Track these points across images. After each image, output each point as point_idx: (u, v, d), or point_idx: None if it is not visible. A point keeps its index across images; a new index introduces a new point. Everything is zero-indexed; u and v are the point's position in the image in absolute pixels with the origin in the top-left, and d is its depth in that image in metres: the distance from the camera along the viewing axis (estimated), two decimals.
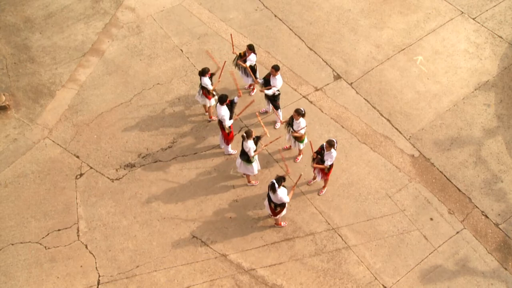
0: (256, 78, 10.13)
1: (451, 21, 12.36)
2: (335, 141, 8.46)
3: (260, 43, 12.07)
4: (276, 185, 7.98)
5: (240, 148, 9.03)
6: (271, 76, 9.56)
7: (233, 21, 12.57)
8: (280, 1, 12.96)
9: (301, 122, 8.96)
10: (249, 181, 9.72)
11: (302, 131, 9.07)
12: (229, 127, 9.42)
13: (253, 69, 10.13)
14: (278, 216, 8.77)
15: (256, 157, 9.08)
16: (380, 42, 12.01)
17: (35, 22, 12.66)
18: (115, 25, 12.56)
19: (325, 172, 8.98)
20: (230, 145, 9.98)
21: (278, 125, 10.50)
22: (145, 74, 11.58)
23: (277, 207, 8.45)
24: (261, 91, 9.85)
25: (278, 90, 9.77)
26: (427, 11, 12.58)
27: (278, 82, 9.55)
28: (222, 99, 9.09)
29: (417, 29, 12.22)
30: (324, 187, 9.58)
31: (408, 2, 12.82)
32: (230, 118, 9.29)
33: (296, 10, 12.75)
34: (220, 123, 9.46)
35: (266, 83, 9.72)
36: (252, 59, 9.92)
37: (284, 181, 8.13)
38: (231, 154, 10.14)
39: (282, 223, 9.23)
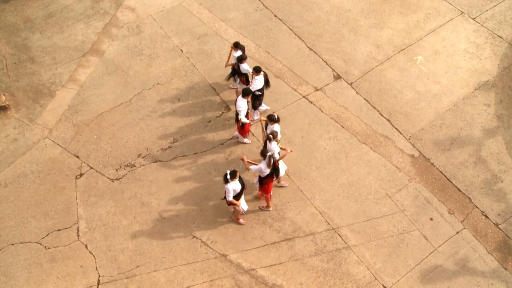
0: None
1: (451, 21, 12.36)
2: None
3: (260, 43, 12.08)
4: (229, 177, 8.08)
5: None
6: (253, 76, 9.81)
7: (233, 21, 12.57)
8: (280, 1, 12.97)
9: (275, 127, 8.93)
10: (278, 182, 9.69)
11: (279, 133, 9.06)
12: (242, 121, 9.53)
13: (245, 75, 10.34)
14: (233, 210, 8.81)
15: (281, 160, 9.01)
16: (380, 42, 12.02)
17: (35, 22, 12.66)
18: (115, 25, 12.56)
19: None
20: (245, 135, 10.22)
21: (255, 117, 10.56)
22: (145, 74, 11.58)
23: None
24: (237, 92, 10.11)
25: (259, 91, 9.83)
26: (427, 11, 12.58)
27: (257, 82, 9.67)
28: (246, 93, 9.28)
29: (417, 29, 12.23)
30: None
31: (408, 2, 12.83)
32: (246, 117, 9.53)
33: (296, 10, 12.75)
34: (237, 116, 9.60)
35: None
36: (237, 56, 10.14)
37: (236, 177, 8.14)
38: (246, 143, 10.27)
39: (241, 220, 9.25)
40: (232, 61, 10.24)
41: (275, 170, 8.60)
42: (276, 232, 9.23)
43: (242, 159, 8.60)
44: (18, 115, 10.98)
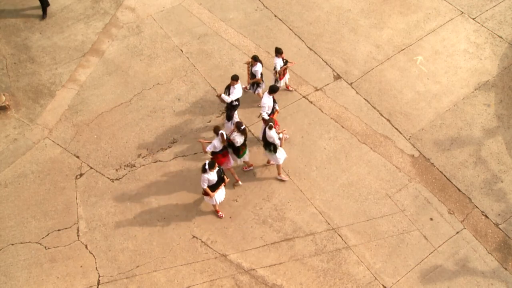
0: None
1: (451, 21, 12.36)
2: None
3: (260, 43, 12.08)
4: (207, 167, 8.28)
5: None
6: (231, 85, 9.58)
7: (233, 21, 12.57)
8: (280, 1, 12.97)
9: (236, 137, 8.92)
10: (279, 174, 9.78)
11: (238, 143, 9.03)
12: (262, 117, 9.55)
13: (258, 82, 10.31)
14: (207, 200, 8.98)
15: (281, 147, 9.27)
16: (380, 42, 12.02)
17: (35, 22, 12.66)
18: (115, 25, 12.56)
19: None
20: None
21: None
22: (145, 74, 11.58)
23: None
24: (218, 96, 9.74)
25: (236, 101, 9.69)
26: (427, 11, 12.59)
27: (236, 91, 9.52)
28: (272, 90, 9.32)
29: (417, 29, 12.23)
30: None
31: (408, 2, 12.83)
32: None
33: (296, 10, 12.76)
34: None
35: (226, 90, 9.77)
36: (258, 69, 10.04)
37: (214, 167, 8.36)
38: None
39: (220, 213, 9.39)
40: (258, 75, 10.09)
41: (230, 146, 9.09)
42: (276, 232, 9.23)
43: (200, 141, 9.14)
44: (18, 115, 10.98)
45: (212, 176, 8.45)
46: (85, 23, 12.62)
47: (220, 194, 8.93)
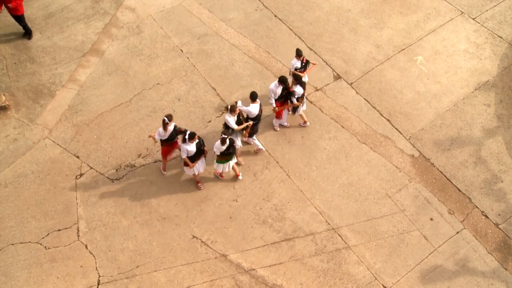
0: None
1: (451, 21, 12.37)
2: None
3: (260, 43, 12.08)
4: (187, 137, 8.55)
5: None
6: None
7: (233, 21, 12.57)
8: (280, 1, 12.97)
9: (216, 143, 8.88)
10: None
11: (217, 151, 9.01)
12: (275, 107, 9.81)
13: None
14: (186, 170, 9.28)
15: (239, 137, 9.46)
16: (380, 42, 12.02)
17: (35, 22, 12.65)
18: (115, 25, 12.56)
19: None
20: (279, 120, 10.38)
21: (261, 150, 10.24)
22: (145, 74, 11.58)
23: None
24: (235, 102, 9.54)
25: (253, 120, 9.41)
26: (427, 11, 12.59)
27: (251, 109, 9.28)
28: (281, 80, 9.43)
29: (417, 29, 12.23)
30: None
31: (408, 2, 12.83)
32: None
33: (296, 10, 12.76)
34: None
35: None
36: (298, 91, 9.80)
37: (193, 139, 8.57)
38: (285, 126, 10.59)
39: (200, 184, 9.75)
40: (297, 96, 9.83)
41: (177, 134, 9.23)
42: (276, 232, 9.23)
43: (150, 136, 9.35)
44: (18, 115, 10.98)
45: (191, 147, 8.68)
46: (85, 23, 12.62)
47: (200, 165, 9.19)
